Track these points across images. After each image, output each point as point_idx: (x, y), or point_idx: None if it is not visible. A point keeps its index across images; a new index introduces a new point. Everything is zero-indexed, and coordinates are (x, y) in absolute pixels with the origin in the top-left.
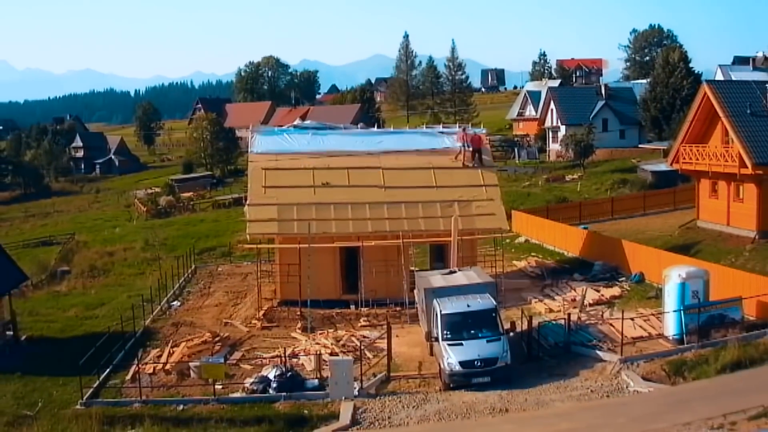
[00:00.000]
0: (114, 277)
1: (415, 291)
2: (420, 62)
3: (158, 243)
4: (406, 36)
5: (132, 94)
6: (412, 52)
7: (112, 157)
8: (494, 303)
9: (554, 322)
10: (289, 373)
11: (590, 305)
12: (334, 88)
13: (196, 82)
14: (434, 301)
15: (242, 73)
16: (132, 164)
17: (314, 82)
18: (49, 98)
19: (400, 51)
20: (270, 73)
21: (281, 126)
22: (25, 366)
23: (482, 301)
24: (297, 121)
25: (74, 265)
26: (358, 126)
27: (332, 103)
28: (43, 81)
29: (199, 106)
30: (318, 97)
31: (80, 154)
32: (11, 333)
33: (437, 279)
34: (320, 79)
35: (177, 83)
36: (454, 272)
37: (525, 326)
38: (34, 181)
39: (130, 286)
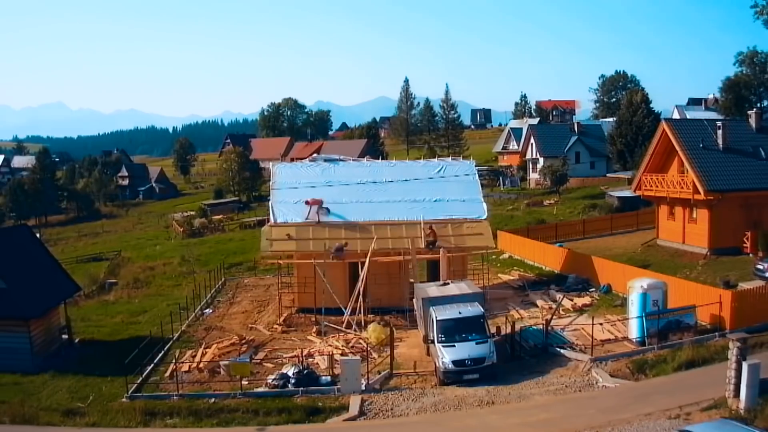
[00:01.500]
0: (154, 288)
1: (414, 300)
2: (418, 103)
3: (193, 259)
4: (407, 81)
5: (170, 130)
6: (412, 94)
7: (153, 184)
8: (482, 310)
9: (534, 327)
10: (306, 371)
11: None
12: (344, 126)
13: (225, 120)
14: (430, 308)
15: (265, 113)
16: (170, 191)
17: (327, 120)
18: (99, 134)
19: (401, 93)
20: (289, 112)
21: (301, 158)
22: (78, 365)
23: (472, 309)
24: (314, 155)
25: (120, 278)
26: (365, 158)
27: (343, 138)
28: (94, 119)
29: (228, 140)
30: (330, 133)
31: (125, 182)
32: (66, 336)
33: (433, 290)
34: (332, 118)
35: (209, 121)
36: (448, 284)
37: (509, 330)
38: (86, 206)
39: (169, 296)
